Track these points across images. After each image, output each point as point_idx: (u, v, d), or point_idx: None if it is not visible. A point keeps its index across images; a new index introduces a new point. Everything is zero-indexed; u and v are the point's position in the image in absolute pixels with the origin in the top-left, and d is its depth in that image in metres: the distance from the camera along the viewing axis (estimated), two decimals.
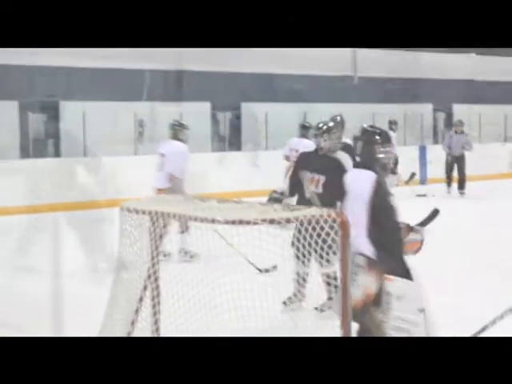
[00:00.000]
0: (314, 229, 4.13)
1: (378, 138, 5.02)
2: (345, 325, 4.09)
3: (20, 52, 13.16)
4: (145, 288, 4.59)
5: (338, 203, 5.33)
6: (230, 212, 4.23)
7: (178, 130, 9.58)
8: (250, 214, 4.09)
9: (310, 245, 4.23)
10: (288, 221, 4.08)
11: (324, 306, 6.58)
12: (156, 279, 4.61)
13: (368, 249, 4.70)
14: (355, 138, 5.08)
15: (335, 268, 6.49)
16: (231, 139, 19.00)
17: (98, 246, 8.48)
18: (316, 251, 4.35)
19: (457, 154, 15.76)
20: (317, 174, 7.11)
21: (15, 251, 8.42)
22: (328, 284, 6.44)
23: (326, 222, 4.08)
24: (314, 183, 7.11)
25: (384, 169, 5.03)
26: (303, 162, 7.34)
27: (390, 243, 4.82)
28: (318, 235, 4.14)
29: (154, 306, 4.57)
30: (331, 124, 7.42)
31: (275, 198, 6.85)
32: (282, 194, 7.18)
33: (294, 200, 7.23)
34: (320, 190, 7.05)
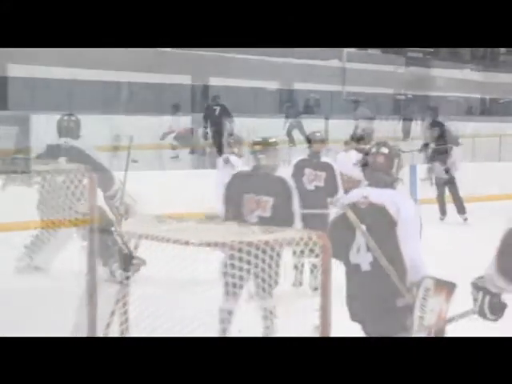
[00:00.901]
0: (254, 259, 4.02)
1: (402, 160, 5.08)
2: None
3: None
4: (112, 313, 4.40)
5: None
6: (207, 233, 4.08)
7: (232, 144, 9.53)
8: (227, 236, 3.95)
9: (243, 275, 4.08)
10: (267, 243, 3.92)
11: None
12: (124, 304, 4.40)
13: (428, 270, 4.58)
14: (391, 156, 4.92)
15: (273, 302, 6.15)
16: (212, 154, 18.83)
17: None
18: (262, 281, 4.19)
19: (445, 175, 13.73)
20: (264, 195, 6.39)
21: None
22: (265, 318, 6.08)
23: (306, 244, 3.89)
24: (261, 206, 6.38)
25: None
26: (242, 183, 6.55)
27: None
28: (256, 265, 4.03)
29: (122, 332, 4.37)
30: (272, 140, 6.75)
31: None
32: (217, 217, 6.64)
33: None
34: (268, 213, 6.36)
